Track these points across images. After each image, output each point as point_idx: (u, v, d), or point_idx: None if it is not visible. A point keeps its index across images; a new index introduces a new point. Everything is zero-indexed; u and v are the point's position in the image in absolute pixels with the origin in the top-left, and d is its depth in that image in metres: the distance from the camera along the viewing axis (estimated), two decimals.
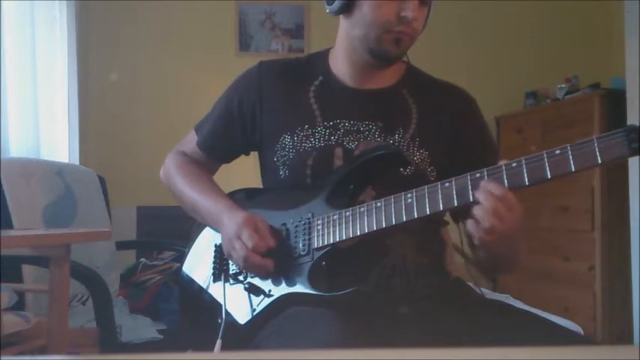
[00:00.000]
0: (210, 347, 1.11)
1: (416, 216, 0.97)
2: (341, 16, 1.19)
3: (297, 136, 1.17)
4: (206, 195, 1.22)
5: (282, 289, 1.09)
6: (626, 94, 2.90)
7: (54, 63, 2.72)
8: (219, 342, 1.10)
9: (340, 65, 1.22)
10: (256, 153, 1.29)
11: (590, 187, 2.95)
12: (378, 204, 1.02)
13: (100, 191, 2.49)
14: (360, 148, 1.15)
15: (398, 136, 1.16)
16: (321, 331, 0.91)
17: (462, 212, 1.08)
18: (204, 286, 1.22)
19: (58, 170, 2.28)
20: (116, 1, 3.32)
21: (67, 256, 1.59)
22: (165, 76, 3.41)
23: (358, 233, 1.03)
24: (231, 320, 1.13)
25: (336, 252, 1.07)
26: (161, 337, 2.01)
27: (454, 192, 0.95)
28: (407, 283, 1.11)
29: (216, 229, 1.21)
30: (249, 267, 1.10)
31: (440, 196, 0.96)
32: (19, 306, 1.81)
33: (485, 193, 0.91)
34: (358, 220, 1.03)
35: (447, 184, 0.96)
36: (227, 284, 1.17)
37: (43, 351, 1.59)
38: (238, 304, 1.14)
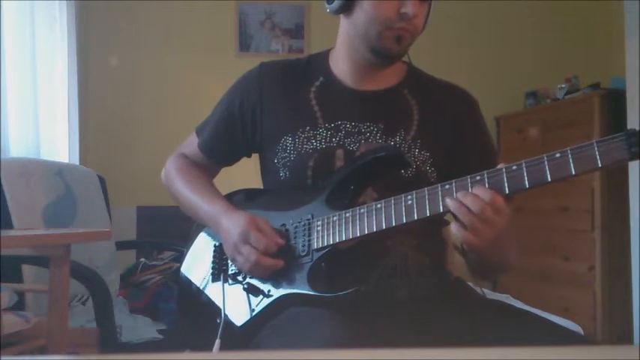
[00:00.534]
0: (208, 347, 1.11)
1: (416, 217, 0.97)
2: (341, 16, 1.19)
3: (299, 138, 1.17)
4: (204, 197, 1.22)
5: (282, 290, 1.09)
6: (626, 94, 2.90)
7: (54, 63, 2.73)
8: (217, 342, 1.10)
9: (341, 66, 1.22)
10: (257, 155, 1.29)
11: (590, 187, 2.95)
12: (378, 205, 1.02)
13: (100, 191, 2.49)
14: (362, 149, 1.14)
15: (399, 138, 1.16)
16: (321, 331, 0.91)
17: None
18: (203, 287, 1.22)
19: (58, 170, 2.28)
20: (116, 1, 3.32)
21: (67, 256, 1.59)
22: (165, 76, 3.41)
23: (358, 234, 1.03)
24: (230, 320, 1.13)
25: (335, 253, 1.07)
26: (161, 337, 2.01)
27: (454, 194, 0.95)
28: (407, 284, 1.11)
29: (214, 231, 1.21)
30: (259, 270, 1.09)
31: (440, 198, 0.96)
32: (19, 306, 1.81)
33: (472, 197, 0.91)
34: (358, 221, 1.03)
35: (447, 186, 0.96)
36: (226, 284, 1.16)
37: (43, 351, 1.59)
38: (237, 304, 1.13)
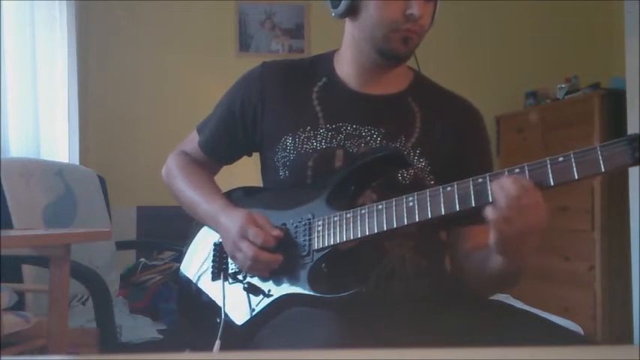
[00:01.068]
0: (208, 347, 1.11)
1: (417, 219, 0.97)
2: (347, 19, 1.18)
3: (299, 138, 1.17)
4: (203, 195, 1.22)
5: (282, 290, 1.09)
6: (626, 94, 2.90)
7: (54, 63, 2.72)
8: (218, 342, 1.10)
9: (346, 68, 1.21)
10: (258, 153, 1.29)
11: (590, 187, 2.95)
12: (380, 206, 1.01)
13: (100, 191, 2.49)
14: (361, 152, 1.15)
15: (399, 144, 1.15)
16: (321, 331, 0.91)
17: (454, 219, 1.07)
18: (203, 286, 1.22)
19: (58, 170, 2.28)
20: (116, 1, 3.32)
21: (67, 256, 1.59)
22: (165, 76, 3.41)
23: (359, 235, 1.03)
24: (230, 320, 1.13)
25: (335, 253, 1.07)
26: (161, 337, 2.01)
27: (456, 197, 0.94)
28: (406, 285, 1.11)
29: (214, 229, 1.21)
30: (257, 265, 1.08)
31: (442, 200, 0.95)
32: (19, 306, 1.81)
33: (514, 182, 0.88)
34: (359, 222, 1.03)
35: (448, 189, 0.95)
36: (226, 284, 1.16)
37: (43, 351, 1.59)
38: (237, 303, 1.13)
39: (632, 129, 2.81)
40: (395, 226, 0.99)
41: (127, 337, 1.94)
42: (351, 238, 1.03)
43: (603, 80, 3.22)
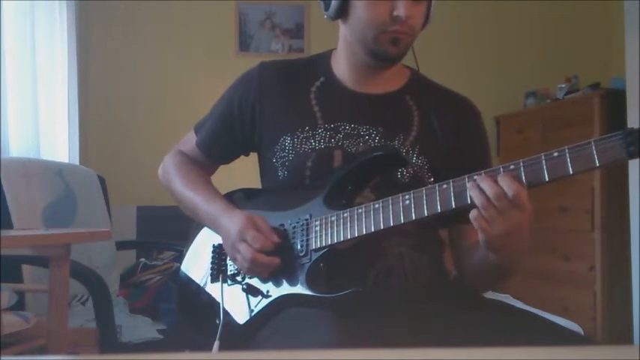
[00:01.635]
0: (208, 347, 1.11)
1: (414, 218, 0.97)
2: (339, 21, 1.19)
3: (297, 138, 1.17)
4: (203, 196, 1.22)
5: (281, 290, 1.09)
6: (626, 94, 2.90)
7: (54, 63, 2.72)
8: (217, 343, 1.10)
9: (343, 68, 1.22)
10: (256, 153, 1.29)
11: (590, 187, 2.95)
12: (376, 205, 1.02)
13: (100, 191, 2.49)
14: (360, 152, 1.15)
15: (398, 142, 1.16)
16: (320, 332, 0.91)
17: (453, 217, 1.07)
18: (202, 287, 1.22)
19: (58, 170, 2.28)
20: (116, 1, 3.32)
21: (67, 256, 1.59)
22: (165, 76, 3.41)
23: (356, 234, 1.03)
24: (229, 321, 1.13)
25: (333, 253, 1.07)
26: (161, 337, 2.01)
27: (452, 194, 0.94)
28: (405, 284, 1.11)
29: (214, 230, 1.21)
30: (255, 268, 1.09)
31: (438, 198, 0.95)
32: (19, 306, 1.81)
33: (490, 183, 0.90)
34: (356, 221, 1.03)
35: (444, 186, 0.96)
36: (225, 285, 1.16)
37: (43, 351, 1.59)
38: (236, 304, 1.14)
39: None
40: (392, 224, 0.99)
41: (127, 337, 1.94)
42: (349, 237, 1.04)
43: (603, 80, 3.22)
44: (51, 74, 2.70)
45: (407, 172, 1.13)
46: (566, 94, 3.28)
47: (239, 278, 1.15)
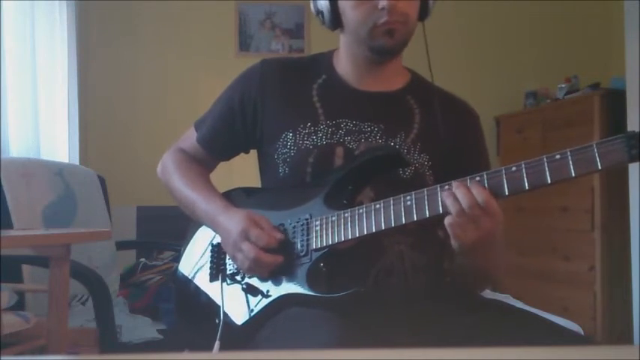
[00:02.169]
0: (208, 347, 1.11)
1: (415, 218, 0.98)
2: (339, 30, 1.21)
3: (299, 134, 1.17)
4: (202, 194, 1.22)
5: (281, 290, 1.09)
6: (626, 94, 2.90)
7: (54, 63, 2.72)
8: (217, 343, 1.10)
9: (344, 67, 1.22)
10: (256, 151, 1.29)
11: (590, 187, 2.95)
12: (377, 205, 1.02)
13: (100, 191, 2.49)
14: (361, 148, 1.15)
15: (399, 139, 1.16)
16: (320, 331, 0.91)
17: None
18: (201, 287, 1.22)
19: (58, 170, 2.28)
20: (116, 1, 3.32)
21: (67, 256, 1.59)
22: (165, 75, 3.41)
23: (357, 235, 1.03)
24: (228, 321, 1.13)
25: (333, 253, 1.07)
26: (161, 337, 2.01)
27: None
28: (405, 284, 1.11)
29: (212, 229, 1.20)
30: (257, 267, 1.09)
31: (439, 198, 0.96)
32: (19, 306, 1.81)
33: (464, 191, 0.93)
34: (357, 221, 1.03)
35: (446, 187, 0.96)
36: (224, 284, 1.16)
37: (43, 351, 1.59)
38: (236, 304, 1.13)
39: (632, 129, 2.80)
40: (393, 225, 1.00)
41: (127, 337, 1.94)
42: (349, 237, 1.04)
43: (603, 80, 3.22)
44: (51, 74, 2.70)
45: (408, 170, 1.14)
46: (566, 94, 3.28)
47: (239, 278, 1.15)
